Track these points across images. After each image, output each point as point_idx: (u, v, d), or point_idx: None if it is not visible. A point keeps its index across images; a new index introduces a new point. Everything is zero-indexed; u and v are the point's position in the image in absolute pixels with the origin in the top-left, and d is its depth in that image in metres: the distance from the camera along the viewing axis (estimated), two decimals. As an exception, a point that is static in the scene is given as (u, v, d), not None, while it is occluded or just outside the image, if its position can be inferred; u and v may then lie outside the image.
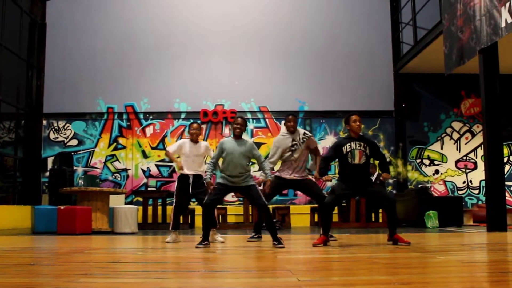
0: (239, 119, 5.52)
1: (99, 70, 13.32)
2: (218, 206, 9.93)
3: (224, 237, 7.20)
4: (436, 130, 13.38)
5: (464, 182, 13.24)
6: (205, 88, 13.22)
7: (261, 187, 5.67)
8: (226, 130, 13.07)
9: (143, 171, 13.04)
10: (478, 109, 13.13)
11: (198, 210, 11.00)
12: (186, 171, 6.25)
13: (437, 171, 13.24)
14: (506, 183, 10.32)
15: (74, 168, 12.64)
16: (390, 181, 13.05)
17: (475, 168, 13.25)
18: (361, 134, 5.49)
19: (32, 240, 7.24)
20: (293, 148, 6.31)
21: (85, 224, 8.48)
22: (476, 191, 13.15)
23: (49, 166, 12.65)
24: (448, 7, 9.51)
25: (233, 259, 4.36)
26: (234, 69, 13.37)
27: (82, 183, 12.18)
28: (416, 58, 12.08)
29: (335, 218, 10.19)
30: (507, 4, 7.31)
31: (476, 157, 13.28)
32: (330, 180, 5.37)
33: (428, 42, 11.13)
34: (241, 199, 12.30)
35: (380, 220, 11.17)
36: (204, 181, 5.58)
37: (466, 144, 13.38)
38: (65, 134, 13.19)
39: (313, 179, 6.64)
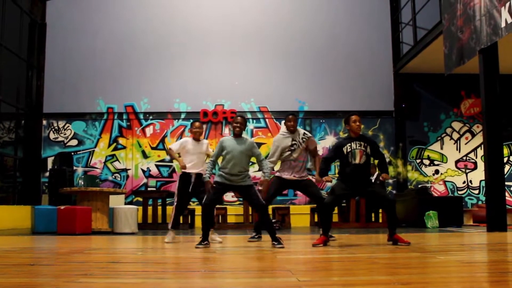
0: (238, 117, 5.52)
1: (99, 70, 13.33)
2: (218, 206, 9.98)
3: (224, 237, 7.20)
4: (436, 130, 13.38)
5: (464, 182, 13.24)
6: (205, 88, 13.22)
7: (259, 187, 5.67)
8: (226, 130, 13.07)
9: (143, 171, 13.04)
10: (478, 109, 13.13)
11: (198, 210, 11.00)
12: (188, 169, 6.25)
13: (437, 171, 13.24)
14: (506, 183, 10.32)
15: (74, 168, 12.64)
16: (390, 181, 13.05)
17: (475, 168, 13.25)
18: (361, 133, 5.50)
19: (32, 240, 7.24)
20: (292, 148, 6.31)
21: (85, 224, 8.48)
22: (476, 191, 13.15)
23: (49, 166, 12.65)
24: (448, 7, 9.51)
25: (233, 259, 4.36)
26: (234, 69, 13.37)
27: (82, 183, 12.19)
28: (416, 58, 12.08)
29: (335, 218, 10.19)
30: (507, 4, 7.31)
31: (476, 157, 13.28)
32: (331, 181, 5.38)
33: (428, 42, 11.13)
34: (241, 199, 12.30)
35: (380, 220, 11.17)
36: (203, 180, 5.58)
37: (466, 144, 13.38)
38: (65, 134, 13.19)
39: (314, 179, 6.65)
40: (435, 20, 10.58)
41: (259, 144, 12.72)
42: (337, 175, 12.93)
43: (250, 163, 5.64)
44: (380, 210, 11.29)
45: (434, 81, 13.10)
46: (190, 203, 12.37)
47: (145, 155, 13.10)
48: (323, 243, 5.25)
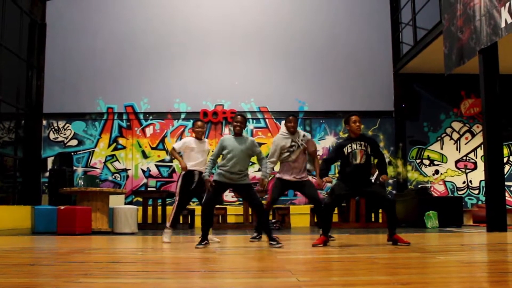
0: (238, 116, 5.52)
1: (99, 70, 13.33)
2: (218, 206, 9.98)
3: (224, 238, 7.20)
4: (436, 130, 13.38)
5: (464, 182, 13.24)
6: (205, 88, 13.22)
7: (258, 188, 5.68)
8: (226, 130, 13.07)
9: (143, 171, 13.04)
10: (478, 109, 13.13)
11: (198, 210, 11.00)
12: (192, 167, 6.24)
13: (437, 171, 13.24)
14: (506, 183, 10.32)
15: (74, 168, 12.64)
16: (390, 181, 13.05)
17: (475, 168, 13.25)
18: (362, 133, 5.50)
19: (32, 240, 7.24)
20: (291, 149, 6.29)
21: (85, 224, 8.48)
22: (476, 191, 13.15)
23: (49, 166, 12.65)
24: (448, 7, 9.51)
25: (233, 259, 4.36)
26: (234, 69, 13.37)
27: (82, 183, 12.18)
28: (416, 58, 12.08)
29: (335, 218, 10.17)
30: (507, 4, 7.31)
31: (476, 157, 13.28)
32: (331, 182, 5.38)
33: (428, 42, 11.14)
34: (240, 199, 12.30)
35: (380, 221, 11.17)
36: (203, 178, 5.59)
37: (466, 144, 13.38)
38: (65, 134, 13.19)
39: (314, 180, 6.65)
40: (435, 20, 10.58)
41: (259, 144, 12.68)
42: (337, 175, 12.94)
43: (250, 163, 5.65)
44: (380, 210, 11.29)
45: (434, 81, 13.10)
46: (190, 203, 12.39)
47: (145, 155, 13.10)
48: (323, 243, 5.25)
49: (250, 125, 13.08)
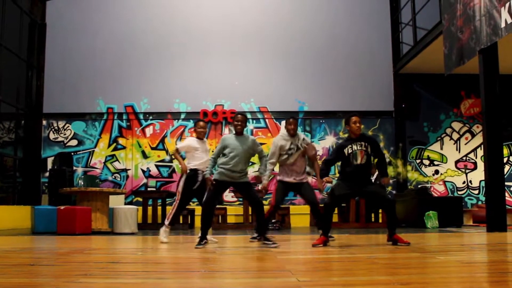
0: (239, 116, 5.53)
1: (99, 70, 13.33)
2: (218, 206, 9.97)
3: (224, 238, 7.20)
4: (436, 131, 13.38)
5: (464, 183, 13.24)
6: (205, 88, 13.22)
7: (258, 188, 5.70)
8: (226, 130, 13.06)
9: (143, 171, 13.04)
10: (478, 109, 13.13)
11: (198, 210, 10.99)
12: (197, 166, 6.23)
13: (437, 171, 13.24)
14: (506, 183, 10.33)
15: (74, 168, 12.64)
16: (390, 181, 13.04)
17: (475, 168, 13.25)
18: (362, 133, 5.49)
19: (32, 240, 7.24)
20: (289, 152, 6.26)
21: (85, 224, 8.48)
22: (476, 191, 13.15)
23: (49, 166, 12.65)
24: (447, 8, 9.51)
25: (233, 259, 4.36)
26: (234, 69, 13.37)
27: (82, 183, 12.18)
28: (416, 58, 12.08)
29: (335, 218, 10.15)
30: (507, 5, 7.31)
31: (476, 158, 13.28)
32: (331, 182, 5.38)
33: (428, 43, 11.14)
34: (240, 199, 12.30)
35: (380, 221, 11.17)
36: (204, 176, 5.58)
37: (466, 144, 13.38)
38: (65, 134, 13.19)
39: (314, 179, 6.64)
40: (435, 20, 10.58)
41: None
42: (337, 176, 12.93)
43: (250, 163, 5.66)
44: (380, 210, 11.29)
45: (434, 81, 13.10)
46: (190, 203, 12.39)
47: (145, 155, 13.10)
48: (323, 244, 5.25)
49: (250, 125, 13.08)
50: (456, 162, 13.31)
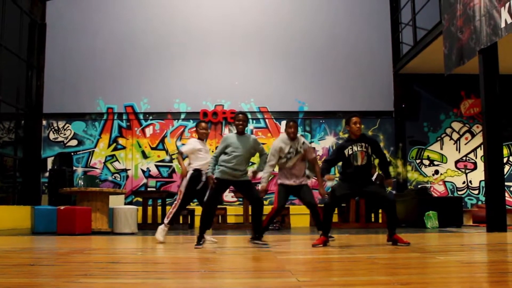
0: (240, 115, 5.52)
1: (99, 70, 13.33)
2: (218, 206, 9.96)
3: (224, 238, 7.21)
4: (435, 131, 13.38)
5: (463, 183, 13.24)
6: (205, 88, 13.22)
7: (258, 187, 5.71)
8: (226, 131, 13.06)
9: (143, 171, 13.04)
10: (478, 109, 13.13)
11: (198, 210, 10.99)
12: (201, 166, 6.22)
13: (436, 172, 13.24)
14: (506, 183, 10.34)
15: (74, 168, 12.64)
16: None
17: (475, 168, 13.25)
18: (363, 133, 5.48)
19: (31, 240, 7.24)
20: (288, 156, 6.21)
21: (85, 225, 8.47)
22: (476, 192, 13.15)
23: (49, 166, 12.65)
24: (447, 8, 9.51)
25: (233, 259, 4.36)
26: (234, 69, 13.37)
27: (82, 183, 12.18)
28: (416, 58, 12.08)
29: (334, 218, 10.16)
30: (507, 5, 7.31)
31: (476, 158, 13.28)
32: (332, 179, 5.37)
33: (428, 43, 11.14)
34: (240, 199, 12.30)
35: (380, 221, 11.17)
36: (207, 174, 5.57)
37: (465, 144, 13.38)
38: (64, 134, 13.19)
39: (314, 179, 6.63)
40: (435, 20, 10.58)
41: (259, 144, 12.71)
42: (337, 175, 12.94)
43: (250, 163, 5.67)
44: (380, 211, 11.29)
45: (434, 82, 13.10)
46: (190, 203, 12.39)
47: (145, 156, 13.11)
48: (323, 244, 5.25)
49: (250, 125, 13.07)
50: (456, 162, 13.31)
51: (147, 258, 4.47)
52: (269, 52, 13.46)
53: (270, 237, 7.34)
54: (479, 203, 12.84)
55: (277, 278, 2.99)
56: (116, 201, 10.97)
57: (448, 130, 13.40)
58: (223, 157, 5.45)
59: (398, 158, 13.14)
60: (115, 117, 13.22)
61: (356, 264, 3.70)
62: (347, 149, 5.28)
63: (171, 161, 13.03)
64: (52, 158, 12.56)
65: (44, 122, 13.20)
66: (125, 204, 12.03)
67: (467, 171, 13.27)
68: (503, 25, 7.46)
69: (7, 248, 5.47)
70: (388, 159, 12.86)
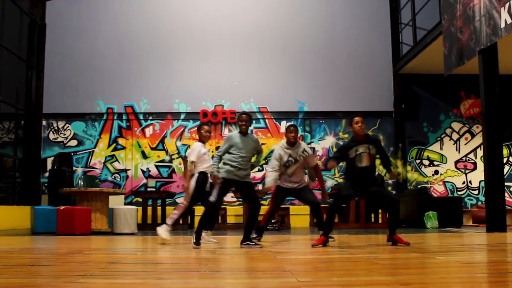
0: (243, 115, 5.52)
1: (99, 70, 13.32)
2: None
3: (224, 238, 7.21)
4: (435, 131, 13.39)
5: (463, 183, 13.24)
6: (205, 88, 13.22)
7: (258, 188, 5.72)
8: (226, 131, 13.06)
9: (143, 171, 13.03)
10: (477, 109, 13.12)
11: (198, 210, 10.99)
12: (206, 169, 6.20)
13: (436, 172, 13.25)
14: (506, 183, 10.33)
15: (74, 168, 12.63)
16: (390, 181, 13.05)
17: (475, 168, 13.25)
18: (367, 134, 5.46)
19: (31, 240, 7.24)
20: (287, 164, 6.19)
21: (85, 225, 8.47)
22: (476, 192, 13.16)
23: (49, 166, 12.65)
24: (447, 8, 9.52)
25: (233, 259, 4.36)
26: (233, 70, 13.36)
27: (82, 183, 12.17)
28: (415, 58, 12.09)
29: (335, 218, 10.21)
30: (507, 5, 7.32)
31: (476, 158, 13.28)
32: (335, 166, 5.32)
33: (427, 43, 11.14)
34: (240, 199, 12.30)
35: (380, 221, 11.17)
36: (211, 174, 5.54)
37: (465, 144, 13.38)
38: (64, 134, 13.19)
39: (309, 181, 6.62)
40: (435, 20, 10.58)
41: (259, 145, 12.70)
42: (336, 175, 12.94)
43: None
44: (380, 211, 11.29)
45: (433, 82, 13.10)
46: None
47: (144, 156, 13.10)
48: (322, 244, 5.25)
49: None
50: (456, 162, 13.31)
51: (147, 258, 4.47)
52: (269, 52, 13.46)
53: (270, 237, 7.34)
54: (479, 203, 12.84)
55: (277, 278, 2.98)
56: (116, 201, 10.96)
57: (448, 130, 13.40)
58: (227, 156, 5.43)
59: (398, 159, 13.14)
60: (115, 117, 13.22)
61: (356, 264, 3.70)
62: (351, 150, 5.24)
63: (171, 161, 13.03)
64: (52, 158, 12.56)
65: (44, 122, 13.20)
66: (125, 204, 12.03)
67: (467, 171, 13.27)
68: (502, 25, 7.46)
69: (6, 248, 5.47)
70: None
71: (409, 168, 13.22)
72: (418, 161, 13.29)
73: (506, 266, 3.54)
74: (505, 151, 13.09)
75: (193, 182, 6.12)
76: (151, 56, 13.36)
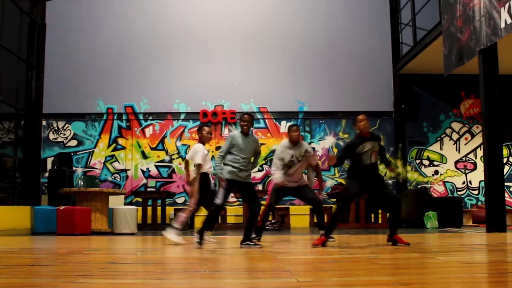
0: (245, 116, 5.52)
1: (99, 70, 13.32)
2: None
3: (224, 238, 7.21)
4: (435, 131, 13.38)
5: (463, 183, 13.24)
6: (205, 88, 13.22)
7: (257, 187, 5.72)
8: (226, 131, 13.06)
9: (143, 171, 13.03)
10: (477, 109, 13.12)
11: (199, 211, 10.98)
12: (207, 170, 6.20)
13: (436, 172, 13.24)
14: (506, 183, 10.33)
15: (74, 168, 12.63)
16: (390, 181, 13.05)
17: (475, 168, 13.25)
18: (371, 131, 5.46)
19: (31, 240, 7.24)
20: (290, 164, 6.20)
21: (85, 225, 8.47)
22: (476, 192, 13.16)
23: (49, 166, 12.64)
24: (447, 8, 9.52)
25: (233, 259, 4.36)
26: (233, 70, 13.36)
27: (82, 183, 12.18)
28: (415, 58, 12.09)
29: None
30: (507, 5, 7.32)
31: (476, 158, 13.28)
32: (334, 162, 5.32)
33: (427, 43, 11.14)
34: (240, 199, 12.29)
35: (380, 221, 11.17)
36: (218, 175, 5.51)
37: (465, 144, 13.38)
38: (64, 134, 13.19)
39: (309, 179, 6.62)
40: (435, 20, 10.58)
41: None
42: (336, 175, 12.93)
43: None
44: (380, 211, 11.29)
45: (433, 82, 13.10)
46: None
47: (144, 156, 13.10)
48: (322, 244, 5.24)
49: (250, 126, 13.05)
50: (456, 162, 13.31)
51: (147, 258, 4.47)
52: (269, 52, 13.46)
53: (270, 237, 7.34)
54: (479, 203, 12.84)
55: (277, 278, 2.98)
56: (116, 201, 10.96)
57: (448, 131, 13.40)
58: (228, 156, 5.43)
59: (398, 159, 13.14)
60: (115, 117, 13.22)
61: (356, 264, 3.70)
62: (359, 147, 5.23)
63: (171, 161, 13.03)
64: (52, 158, 12.56)
65: (43, 122, 13.20)
66: (125, 204, 12.03)
67: (466, 171, 13.27)
68: (502, 25, 7.46)
69: (6, 249, 5.47)
70: (388, 160, 12.89)
71: (409, 168, 13.22)
72: (418, 161, 13.29)
73: (506, 266, 3.54)
74: (505, 151, 13.09)
75: (197, 184, 6.12)
76: (151, 56, 13.36)
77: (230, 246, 5.91)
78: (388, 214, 5.69)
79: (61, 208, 8.57)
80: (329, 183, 12.84)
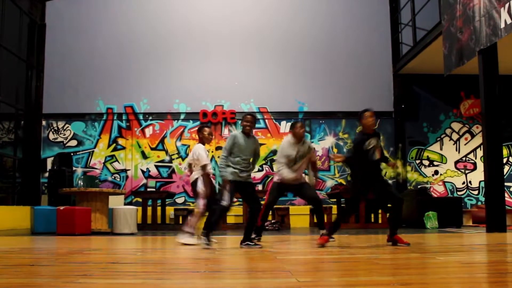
0: (248, 116, 5.51)
1: (99, 70, 13.32)
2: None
3: (224, 238, 7.21)
4: (435, 131, 13.38)
5: (463, 183, 13.24)
6: (205, 88, 13.22)
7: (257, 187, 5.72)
8: (226, 131, 13.06)
9: (143, 171, 13.03)
10: (477, 110, 13.12)
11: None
12: (209, 171, 6.19)
13: (436, 172, 13.24)
14: (506, 183, 10.33)
15: (74, 168, 12.63)
16: (390, 182, 13.04)
17: (475, 169, 13.25)
18: (374, 128, 5.44)
19: (31, 240, 7.24)
20: (296, 160, 6.21)
21: (85, 225, 8.47)
22: (476, 192, 13.15)
23: (49, 166, 12.64)
24: (447, 8, 9.52)
25: (233, 259, 4.36)
26: (233, 70, 13.36)
27: (82, 183, 12.17)
28: (415, 59, 12.09)
29: (333, 218, 10.18)
30: (507, 5, 7.32)
31: (476, 158, 13.28)
32: (334, 159, 5.34)
33: (427, 43, 11.14)
34: (240, 199, 12.28)
35: (380, 221, 11.17)
36: (223, 178, 5.49)
37: (465, 145, 13.38)
38: (64, 134, 13.18)
39: (306, 177, 6.63)
40: (435, 20, 10.58)
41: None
42: (336, 176, 12.92)
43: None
44: (380, 211, 11.28)
45: (433, 82, 13.10)
46: (190, 203, 12.39)
47: (144, 156, 13.10)
48: (322, 244, 5.24)
49: (250, 126, 13.04)
50: (456, 162, 13.31)
51: (147, 258, 4.47)
52: (269, 52, 13.46)
53: (270, 237, 7.34)
54: (479, 203, 12.84)
55: (277, 278, 2.98)
56: (116, 202, 10.95)
57: (448, 131, 13.40)
58: (229, 158, 5.43)
59: (398, 159, 13.13)
60: (115, 118, 13.21)
61: (356, 264, 3.70)
62: (365, 143, 5.20)
63: (170, 161, 13.03)
64: (52, 158, 12.55)
65: (43, 123, 13.19)
66: (125, 204, 12.02)
67: (466, 171, 13.27)
68: (502, 25, 7.46)
69: (6, 249, 5.47)
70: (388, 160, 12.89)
71: (409, 168, 13.22)
72: (418, 161, 13.29)
73: (506, 266, 3.54)
74: (505, 151, 13.09)
75: (200, 185, 6.10)
76: (151, 56, 13.35)
77: (230, 246, 5.91)
78: (388, 214, 5.68)
79: (61, 208, 8.58)
80: (329, 183, 12.84)
